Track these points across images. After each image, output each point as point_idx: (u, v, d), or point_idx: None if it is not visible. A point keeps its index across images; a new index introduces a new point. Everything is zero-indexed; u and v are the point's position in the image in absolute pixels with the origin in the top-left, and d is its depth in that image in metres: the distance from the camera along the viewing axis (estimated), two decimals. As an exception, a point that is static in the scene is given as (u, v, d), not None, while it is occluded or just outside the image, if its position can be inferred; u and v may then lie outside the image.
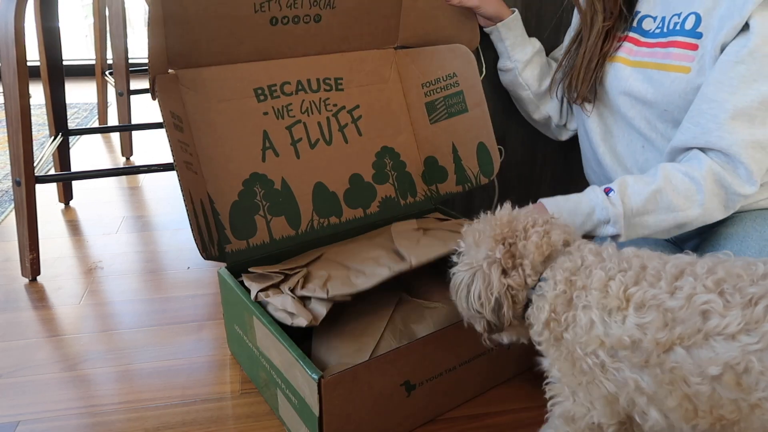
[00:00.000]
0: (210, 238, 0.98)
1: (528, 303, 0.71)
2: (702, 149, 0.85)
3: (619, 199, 0.86)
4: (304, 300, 0.90)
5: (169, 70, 0.98)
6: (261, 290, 0.92)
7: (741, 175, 0.82)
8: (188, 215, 0.92)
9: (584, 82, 1.01)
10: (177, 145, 0.92)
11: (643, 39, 0.95)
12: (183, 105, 0.99)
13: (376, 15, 1.14)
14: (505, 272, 0.70)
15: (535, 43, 1.13)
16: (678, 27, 0.89)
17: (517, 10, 1.11)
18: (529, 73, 1.13)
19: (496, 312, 0.70)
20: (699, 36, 0.86)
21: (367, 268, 0.95)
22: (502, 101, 1.25)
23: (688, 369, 0.55)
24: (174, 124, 0.93)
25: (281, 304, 0.88)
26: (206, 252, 0.95)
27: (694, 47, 0.87)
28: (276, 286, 0.94)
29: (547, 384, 0.71)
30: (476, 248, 0.72)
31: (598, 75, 1.00)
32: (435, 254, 0.94)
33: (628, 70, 0.95)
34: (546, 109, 1.15)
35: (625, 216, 0.85)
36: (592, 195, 0.88)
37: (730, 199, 0.84)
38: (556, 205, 0.89)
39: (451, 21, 1.13)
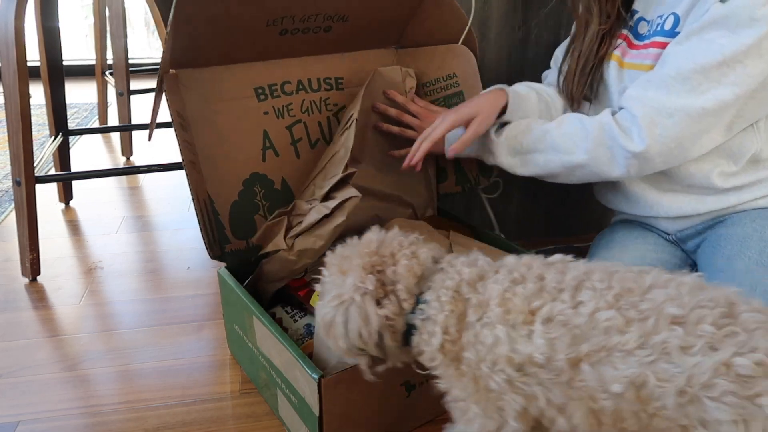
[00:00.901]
0: (213, 237, 0.98)
1: (408, 328, 0.66)
2: (615, 111, 0.88)
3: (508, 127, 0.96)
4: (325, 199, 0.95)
5: (171, 70, 0.98)
6: (288, 235, 0.94)
7: (632, 132, 0.83)
8: (197, 214, 0.92)
9: (578, 85, 1.00)
10: (183, 144, 0.92)
11: (635, 41, 0.95)
12: (183, 104, 0.99)
13: (388, 24, 1.14)
14: (378, 302, 0.65)
15: (533, 96, 1.05)
16: (659, 28, 0.90)
17: (508, 93, 1.00)
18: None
19: (379, 346, 0.66)
20: (676, 36, 0.86)
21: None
22: (502, 101, 1.25)
23: (593, 386, 0.55)
24: (180, 123, 0.94)
25: (315, 215, 0.92)
26: (212, 251, 0.95)
27: None
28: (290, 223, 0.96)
29: (449, 404, 0.67)
30: (342, 277, 0.67)
31: (595, 77, 0.99)
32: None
33: (623, 72, 0.95)
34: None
35: (509, 149, 0.96)
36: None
37: (617, 153, 0.85)
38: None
39: (453, 32, 1.13)
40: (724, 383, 0.49)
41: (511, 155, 0.97)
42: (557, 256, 0.65)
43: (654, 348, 0.53)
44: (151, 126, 0.99)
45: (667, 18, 0.88)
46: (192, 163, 0.95)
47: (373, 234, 0.70)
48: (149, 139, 1.08)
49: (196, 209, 0.94)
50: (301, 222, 0.94)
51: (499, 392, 0.61)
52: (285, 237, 0.94)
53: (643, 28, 0.95)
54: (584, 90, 1.00)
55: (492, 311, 0.61)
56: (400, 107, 1.10)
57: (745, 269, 0.82)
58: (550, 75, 1.11)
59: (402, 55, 1.21)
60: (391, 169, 1.16)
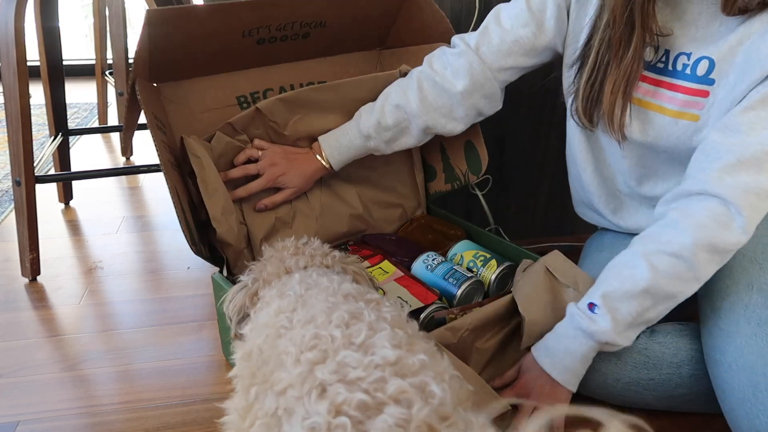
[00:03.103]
0: (200, 237, 0.97)
1: None
2: (700, 194, 0.78)
3: (606, 315, 0.79)
4: None
5: (153, 84, 0.99)
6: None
7: (736, 226, 0.75)
8: (176, 212, 0.91)
9: (624, 112, 0.87)
10: (161, 145, 0.92)
11: (644, 71, 0.87)
12: (166, 115, 0.99)
13: (368, 28, 1.14)
14: (255, 293, 0.74)
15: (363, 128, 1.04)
16: (689, 71, 0.83)
17: (325, 157, 1.04)
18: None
19: (239, 325, 0.75)
20: (711, 83, 0.81)
21: None
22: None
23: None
24: (157, 125, 0.93)
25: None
26: (195, 247, 0.95)
27: (705, 94, 0.81)
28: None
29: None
30: (260, 267, 0.77)
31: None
32: None
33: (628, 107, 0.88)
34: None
35: (617, 331, 0.79)
36: (574, 325, 0.82)
37: (724, 258, 0.78)
38: (546, 351, 0.85)
39: (437, 32, 1.13)
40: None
41: (627, 331, 0.81)
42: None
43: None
44: (128, 135, 0.99)
45: (698, 62, 0.81)
46: (171, 163, 0.95)
47: (302, 240, 0.80)
48: (128, 154, 1.07)
49: (175, 207, 0.92)
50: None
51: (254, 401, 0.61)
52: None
53: (649, 55, 0.86)
54: (629, 117, 0.88)
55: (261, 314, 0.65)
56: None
57: (740, 268, 0.82)
58: (478, 38, 0.99)
59: (387, 56, 1.21)
60: (377, 168, 1.16)
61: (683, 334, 0.89)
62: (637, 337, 0.88)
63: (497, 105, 1.04)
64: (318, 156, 1.05)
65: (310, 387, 0.49)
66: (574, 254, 1.21)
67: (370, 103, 1.05)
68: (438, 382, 0.47)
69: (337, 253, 0.79)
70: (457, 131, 1.04)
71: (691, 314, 0.93)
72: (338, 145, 1.04)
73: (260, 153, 1.03)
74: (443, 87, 0.99)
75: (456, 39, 1.02)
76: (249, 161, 1.04)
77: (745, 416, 0.72)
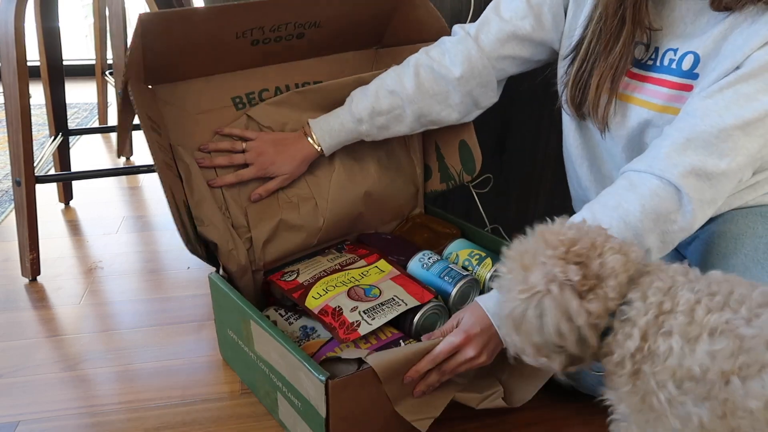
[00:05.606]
0: (195, 236, 0.98)
1: (607, 330, 0.60)
2: (644, 173, 0.79)
3: None
4: None
5: (149, 86, 0.99)
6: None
7: (683, 210, 0.76)
8: (171, 211, 0.91)
9: (608, 105, 0.89)
10: (155, 146, 0.92)
11: (632, 68, 0.88)
12: (162, 117, 0.99)
13: (363, 28, 1.14)
14: (581, 296, 0.59)
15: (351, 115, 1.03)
16: (674, 66, 0.84)
17: (317, 141, 1.03)
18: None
19: (580, 344, 0.59)
20: (695, 77, 0.82)
21: None
22: (502, 101, 1.25)
23: (736, 400, 0.51)
24: (150, 126, 0.93)
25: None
26: (191, 245, 0.94)
27: (689, 88, 0.82)
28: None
29: (611, 421, 0.63)
30: (525, 272, 0.62)
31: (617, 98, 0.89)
32: None
33: (617, 104, 0.89)
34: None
35: None
36: None
37: (668, 234, 0.78)
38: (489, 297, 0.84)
39: (432, 29, 1.13)
40: None
41: None
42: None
43: None
44: (123, 138, 0.99)
45: (684, 56, 0.83)
46: (166, 164, 0.95)
47: (559, 225, 0.66)
48: (127, 154, 1.07)
49: (170, 207, 0.91)
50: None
51: (661, 410, 0.56)
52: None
53: (640, 53, 0.88)
54: (613, 109, 0.89)
55: (676, 320, 0.56)
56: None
57: (742, 266, 0.82)
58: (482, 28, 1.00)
59: (382, 55, 1.21)
60: (376, 167, 1.16)
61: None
62: None
63: (493, 96, 1.05)
64: (309, 139, 1.04)
65: None
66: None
67: (363, 87, 1.04)
68: None
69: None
70: (451, 120, 1.05)
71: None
72: (329, 128, 1.03)
73: (245, 144, 1.03)
74: (440, 73, 1.00)
75: (456, 27, 1.04)
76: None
77: None
